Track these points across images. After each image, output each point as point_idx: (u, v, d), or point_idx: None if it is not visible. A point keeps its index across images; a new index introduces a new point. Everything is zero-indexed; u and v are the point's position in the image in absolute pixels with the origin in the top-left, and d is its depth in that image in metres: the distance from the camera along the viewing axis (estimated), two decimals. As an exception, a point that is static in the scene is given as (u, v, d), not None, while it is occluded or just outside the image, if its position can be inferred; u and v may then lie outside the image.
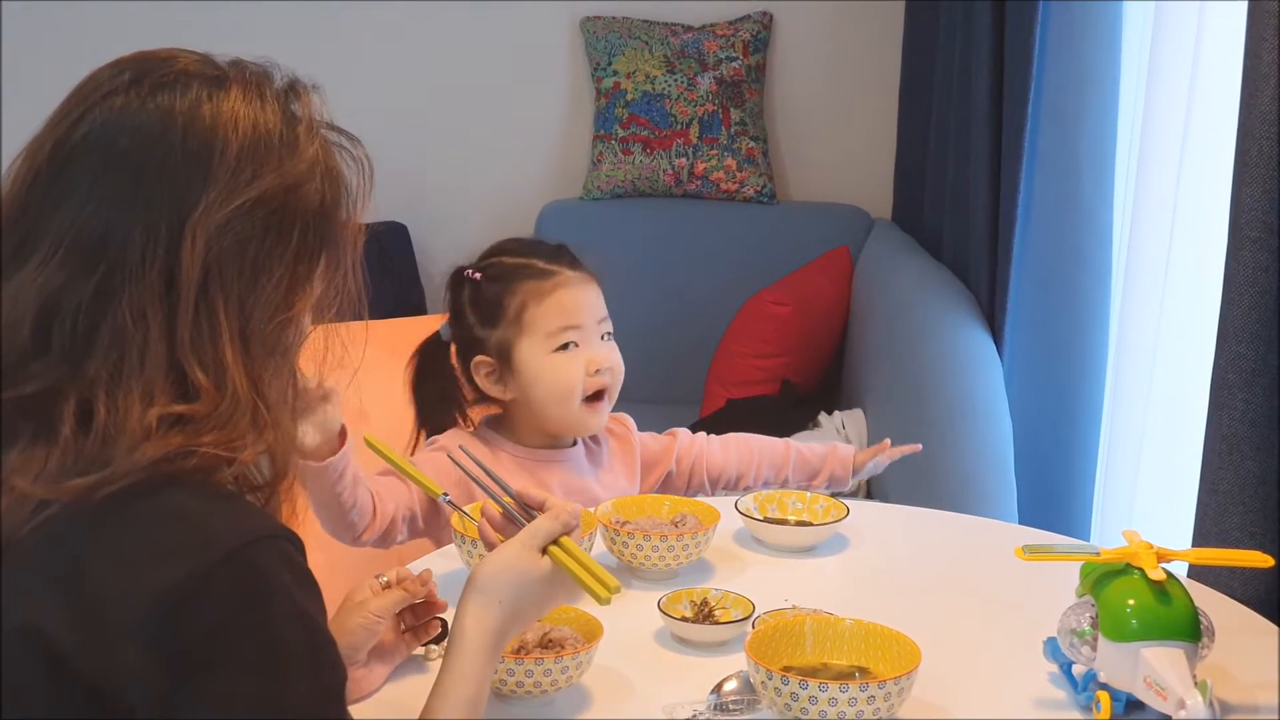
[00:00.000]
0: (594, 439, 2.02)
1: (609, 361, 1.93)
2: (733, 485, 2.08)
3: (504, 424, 1.99)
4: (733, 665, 1.48)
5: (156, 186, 1.09)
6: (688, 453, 2.07)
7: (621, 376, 1.96)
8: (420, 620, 1.54)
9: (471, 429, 2.01)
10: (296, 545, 1.10)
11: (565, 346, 1.91)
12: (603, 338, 1.95)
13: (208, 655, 1.03)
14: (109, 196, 1.09)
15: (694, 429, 2.14)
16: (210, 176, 1.10)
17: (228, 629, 1.03)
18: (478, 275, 1.95)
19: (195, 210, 1.08)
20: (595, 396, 1.93)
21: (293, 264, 1.13)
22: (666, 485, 2.07)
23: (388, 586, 1.49)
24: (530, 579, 1.33)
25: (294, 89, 1.19)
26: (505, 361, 1.92)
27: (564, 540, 1.35)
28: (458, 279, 1.97)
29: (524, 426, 1.96)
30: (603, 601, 1.33)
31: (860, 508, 1.92)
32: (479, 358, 1.94)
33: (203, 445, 1.07)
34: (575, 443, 2.00)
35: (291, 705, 1.05)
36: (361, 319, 1.22)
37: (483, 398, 1.97)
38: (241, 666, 1.04)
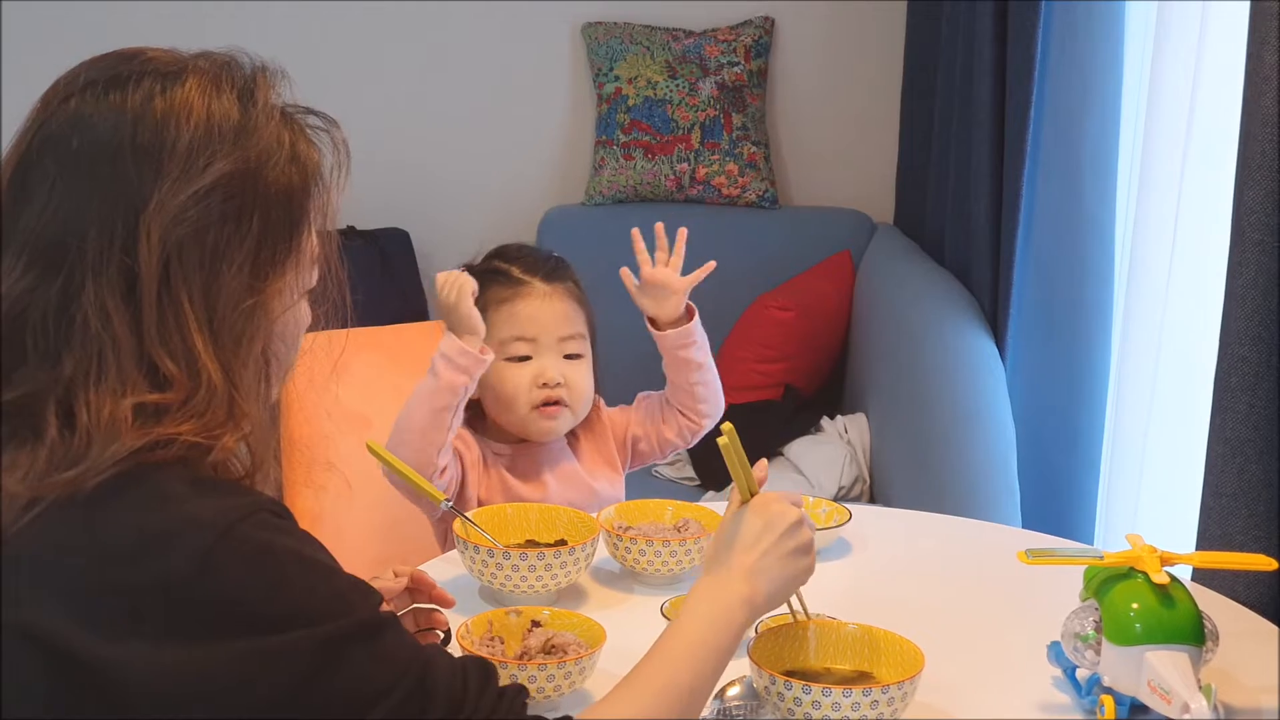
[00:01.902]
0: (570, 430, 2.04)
1: (559, 378, 1.95)
2: (698, 428, 2.05)
3: (478, 421, 2.02)
4: (736, 670, 1.47)
5: (109, 184, 1.09)
6: (638, 419, 2.08)
7: (583, 396, 1.98)
8: (422, 627, 1.52)
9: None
10: (283, 513, 1.11)
11: (517, 357, 1.95)
12: (567, 356, 1.97)
13: (232, 629, 1.03)
14: (65, 199, 1.09)
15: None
16: (162, 169, 1.09)
17: (243, 601, 1.04)
18: None
19: (149, 204, 1.08)
20: (548, 405, 1.96)
21: (255, 249, 1.12)
22: (640, 457, 2.08)
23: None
24: (727, 523, 1.36)
25: (256, 76, 1.17)
26: None
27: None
28: None
29: (493, 424, 2.01)
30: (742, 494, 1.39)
31: (863, 512, 1.91)
32: None
33: (181, 434, 1.07)
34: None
35: (330, 650, 1.05)
36: (343, 315, 1.22)
37: None
38: (269, 629, 1.04)
